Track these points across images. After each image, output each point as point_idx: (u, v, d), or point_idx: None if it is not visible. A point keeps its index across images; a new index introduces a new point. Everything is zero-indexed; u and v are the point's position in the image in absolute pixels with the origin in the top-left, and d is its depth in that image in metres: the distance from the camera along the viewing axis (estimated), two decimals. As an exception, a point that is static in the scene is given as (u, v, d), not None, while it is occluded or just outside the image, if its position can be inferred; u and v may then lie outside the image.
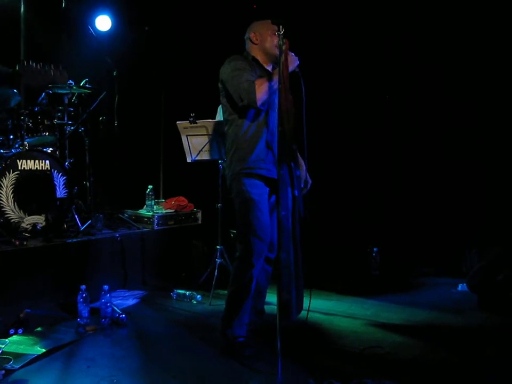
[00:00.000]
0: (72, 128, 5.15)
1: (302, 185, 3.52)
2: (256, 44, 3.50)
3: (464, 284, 4.76)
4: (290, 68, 3.26)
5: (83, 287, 3.87)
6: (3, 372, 3.02)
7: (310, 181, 3.63)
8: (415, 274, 5.45)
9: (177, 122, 4.54)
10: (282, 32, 3.02)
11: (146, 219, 5.39)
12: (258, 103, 3.26)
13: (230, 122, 3.46)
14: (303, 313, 3.49)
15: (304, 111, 3.25)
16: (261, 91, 3.24)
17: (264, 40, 3.46)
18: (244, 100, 3.28)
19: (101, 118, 5.44)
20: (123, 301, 4.55)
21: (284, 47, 3.04)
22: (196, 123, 4.44)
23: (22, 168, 4.51)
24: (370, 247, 5.51)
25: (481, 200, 5.45)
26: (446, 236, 5.52)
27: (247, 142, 3.39)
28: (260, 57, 3.50)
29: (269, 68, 3.50)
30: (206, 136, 4.47)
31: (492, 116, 5.39)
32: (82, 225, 4.85)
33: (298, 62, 3.32)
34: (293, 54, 3.32)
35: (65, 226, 4.75)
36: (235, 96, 3.33)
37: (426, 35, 5.59)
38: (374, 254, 5.47)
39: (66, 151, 5.20)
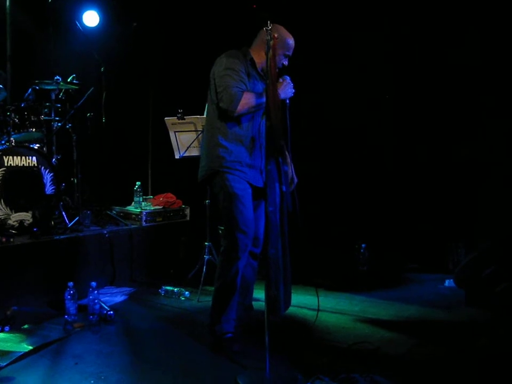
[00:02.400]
0: (59, 124, 5.12)
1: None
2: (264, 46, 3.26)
3: (451, 280, 4.79)
4: (282, 95, 3.31)
5: (71, 284, 3.85)
6: (-11, 369, 3.00)
7: (295, 180, 3.63)
8: (403, 270, 5.48)
9: (165, 118, 4.53)
10: (270, 27, 3.01)
11: (134, 216, 5.37)
12: (235, 114, 3.29)
13: (216, 115, 3.43)
14: (312, 314, 3.51)
15: (289, 133, 3.27)
16: (244, 105, 3.26)
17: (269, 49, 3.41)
18: (225, 103, 3.29)
19: (88, 114, 5.39)
20: (111, 297, 4.53)
21: (271, 43, 3.03)
22: (184, 119, 4.43)
23: (9, 165, 4.48)
24: (358, 243, 5.53)
25: (468, 195, 5.48)
26: (433, 231, 5.55)
27: (228, 141, 3.39)
28: (257, 60, 3.45)
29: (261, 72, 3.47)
30: (194, 132, 4.46)
31: (482, 113, 5.41)
32: (70, 222, 4.82)
33: (292, 94, 3.36)
34: (291, 84, 3.36)
35: (52, 223, 4.71)
36: (218, 95, 3.34)
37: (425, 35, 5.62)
38: (362, 250, 5.49)
39: (54, 148, 5.17)
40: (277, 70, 3.30)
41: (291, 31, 3.48)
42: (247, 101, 3.26)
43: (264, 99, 3.21)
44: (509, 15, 5.10)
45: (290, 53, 3.47)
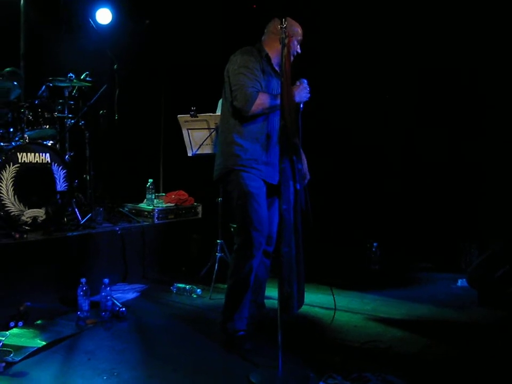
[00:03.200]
0: (72, 121, 5.14)
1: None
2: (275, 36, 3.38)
3: (464, 279, 4.77)
4: (297, 98, 3.31)
5: (83, 280, 3.87)
6: (3, 364, 3.02)
7: (308, 176, 3.63)
8: (415, 269, 5.46)
9: (178, 115, 4.54)
10: (285, 26, 3.00)
11: (146, 213, 5.38)
12: (249, 114, 3.29)
13: (231, 113, 3.42)
14: (324, 313, 3.56)
15: (300, 134, 3.28)
16: (259, 106, 3.26)
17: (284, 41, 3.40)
18: (239, 102, 3.28)
19: (101, 111, 5.42)
20: (123, 294, 4.55)
21: (286, 41, 3.02)
22: (197, 117, 4.43)
23: (22, 161, 4.50)
24: (370, 241, 5.52)
25: (480, 195, 5.46)
26: (446, 231, 5.53)
27: (244, 139, 3.38)
28: (272, 54, 3.43)
29: (277, 68, 3.46)
30: (207, 130, 4.46)
31: (491, 114, 5.39)
32: (82, 218, 4.85)
33: (307, 99, 3.35)
34: (308, 88, 3.35)
35: (65, 219, 4.74)
36: (233, 93, 3.33)
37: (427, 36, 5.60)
38: (374, 249, 5.48)
39: (67, 144, 5.19)
40: (292, 57, 3.35)
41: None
42: (262, 101, 3.25)
43: (279, 101, 3.20)
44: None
45: (300, 38, 3.45)
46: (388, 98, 6.00)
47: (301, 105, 3.33)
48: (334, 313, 3.72)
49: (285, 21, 3.01)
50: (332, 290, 3.57)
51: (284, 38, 3.00)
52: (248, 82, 3.27)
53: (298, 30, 3.45)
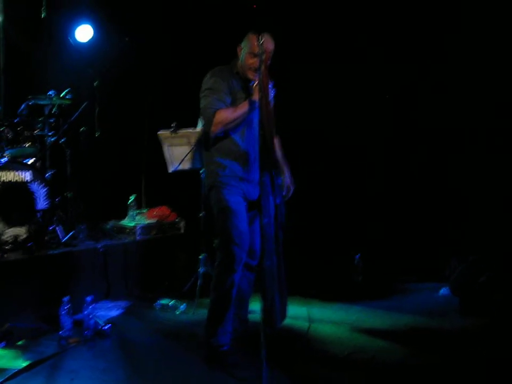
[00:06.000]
0: (53, 139, 5.12)
1: (285, 192, 3.56)
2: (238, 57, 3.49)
3: (446, 288, 4.82)
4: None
5: (65, 299, 3.84)
6: (-15, 386, 2.99)
7: (292, 187, 3.67)
8: (398, 280, 5.48)
9: (159, 132, 4.54)
10: (262, 41, 3.04)
11: (128, 230, 5.35)
12: (212, 134, 3.38)
13: (206, 133, 3.49)
14: (312, 326, 3.52)
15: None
16: (218, 125, 3.31)
17: (242, 56, 3.45)
18: (203, 125, 3.43)
19: (82, 128, 5.40)
20: (106, 312, 4.51)
21: (263, 56, 3.05)
22: (177, 133, 4.44)
23: (2, 180, 4.47)
24: (353, 253, 5.54)
25: (462, 205, 5.52)
26: (428, 241, 5.57)
27: (222, 157, 3.43)
28: (240, 71, 3.48)
29: (252, 83, 3.44)
30: (188, 145, 4.47)
31: (478, 127, 5.47)
32: (64, 236, 4.82)
33: (272, 95, 3.36)
34: (270, 85, 3.33)
35: (46, 238, 4.70)
36: (200, 116, 3.41)
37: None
38: (356, 260, 5.50)
39: (47, 162, 5.15)
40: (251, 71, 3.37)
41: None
42: (220, 120, 3.30)
43: (242, 111, 3.30)
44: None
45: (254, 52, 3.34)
46: (388, 97, 6.04)
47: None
48: (309, 325, 3.75)
49: (261, 37, 3.04)
50: (306, 302, 3.57)
51: (261, 54, 3.03)
52: (209, 104, 3.34)
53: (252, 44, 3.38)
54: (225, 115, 3.32)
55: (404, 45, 5.76)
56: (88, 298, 3.90)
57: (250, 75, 3.40)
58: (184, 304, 4.59)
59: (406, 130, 5.90)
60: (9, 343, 3.62)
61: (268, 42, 3.29)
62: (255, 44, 3.24)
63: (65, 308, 3.80)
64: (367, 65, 5.90)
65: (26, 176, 4.63)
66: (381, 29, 5.82)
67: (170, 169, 4.60)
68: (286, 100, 3.73)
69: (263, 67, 3.03)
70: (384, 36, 5.82)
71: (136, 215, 5.54)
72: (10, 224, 4.47)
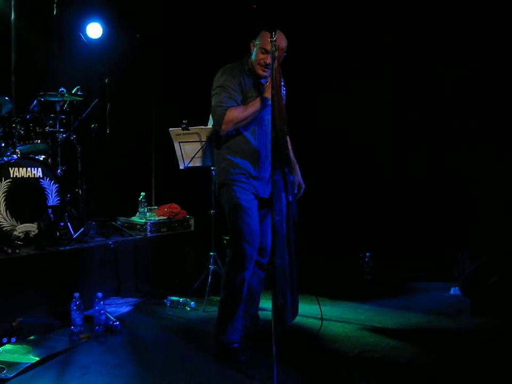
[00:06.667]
0: (64, 135, 5.14)
1: (296, 190, 3.55)
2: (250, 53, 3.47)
3: (457, 288, 4.79)
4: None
5: (76, 294, 3.86)
6: (-3, 381, 3.01)
7: (303, 185, 3.68)
8: (408, 279, 5.47)
9: (170, 129, 4.55)
10: (275, 38, 3.03)
11: (139, 226, 5.37)
12: (223, 133, 3.37)
13: (217, 131, 3.47)
14: (318, 323, 3.58)
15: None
16: (229, 123, 3.30)
17: (253, 52, 3.43)
18: (214, 123, 3.40)
19: (92, 125, 5.42)
20: (117, 308, 4.53)
21: (276, 54, 3.05)
22: (188, 130, 4.44)
23: (14, 176, 4.49)
24: (362, 251, 5.53)
25: (472, 205, 5.49)
26: (438, 240, 5.55)
27: (233, 154, 3.43)
28: (251, 67, 3.47)
29: (264, 80, 3.47)
30: (199, 142, 4.48)
31: (485, 123, 5.44)
32: (75, 232, 4.84)
33: (283, 93, 3.34)
34: (282, 83, 3.32)
35: (57, 234, 4.72)
36: (211, 114, 3.41)
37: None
38: (366, 259, 5.49)
39: (58, 159, 5.18)
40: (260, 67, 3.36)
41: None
42: (230, 118, 3.29)
43: (253, 109, 3.29)
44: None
45: (266, 48, 3.31)
46: (388, 98, 6.02)
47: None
48: (322, 323, 3.72)
49: (275, 34, 3.03)
50: (318, 300, 3.56)
51: (274, 51, 3.02)
52: (220, 102, 3.33)
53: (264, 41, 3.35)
54: (236, 113, 3.31)
55: (404, 44, 5.74)
56: (99, 294, 3.92)
57: (259, 70, 3.39)
58: (194, 301, 4.59)
59: (413, 128, 5.88)
60: (20, 338, 3.64)
61: (280, 40, 3.28)
62: (267, 40, 3.21)
63: (76, 303, 3.82)
64: (370, 66, 5.90)
65: (38, 172, 4.66)
66: (381, 29, 5.81)
67: (182, 166, 4.61)
68: (295, 100, 3.72)
69: (276, 64, 3.03)
70: (384, 36, 5.81)
71: (147, 212, 5.56)
72: (22, 220, 4.49)
